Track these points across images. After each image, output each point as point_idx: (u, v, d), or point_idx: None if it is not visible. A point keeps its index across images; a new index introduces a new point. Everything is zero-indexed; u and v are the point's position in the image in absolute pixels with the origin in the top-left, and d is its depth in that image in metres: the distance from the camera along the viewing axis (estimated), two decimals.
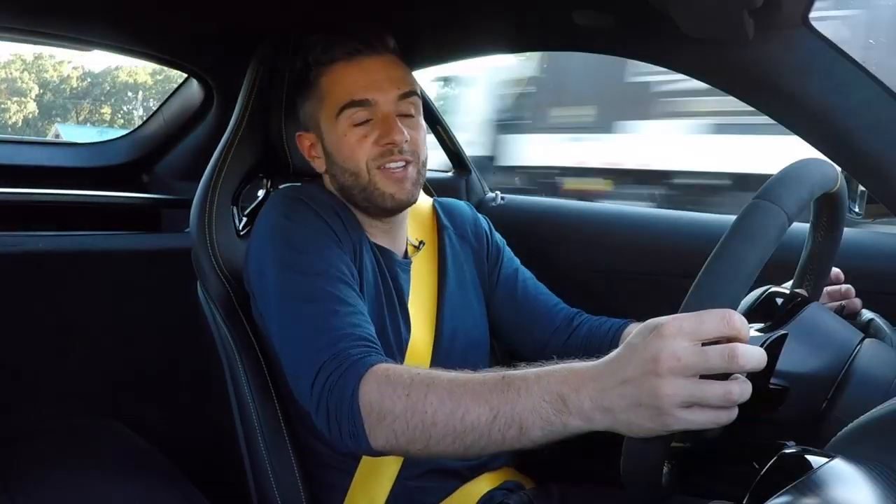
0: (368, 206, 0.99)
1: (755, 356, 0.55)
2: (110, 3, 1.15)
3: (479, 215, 1.19)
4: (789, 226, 0.59)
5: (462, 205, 1.20)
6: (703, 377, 0.56)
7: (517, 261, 1.18)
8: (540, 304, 1.12)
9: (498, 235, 1.19)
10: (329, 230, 0.93)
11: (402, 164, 0.96)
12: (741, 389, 0.56)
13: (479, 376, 0.69)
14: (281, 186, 1.01)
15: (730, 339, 0.55)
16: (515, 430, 0.65)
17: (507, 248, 1.18)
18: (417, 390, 0.71)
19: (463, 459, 0.94)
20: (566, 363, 0.65)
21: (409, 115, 0.98)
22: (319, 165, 1.03)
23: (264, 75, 1.10)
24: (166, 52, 1.44)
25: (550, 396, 0.63)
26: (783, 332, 0.64)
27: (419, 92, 1.00)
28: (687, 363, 0.55)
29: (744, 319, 0.55)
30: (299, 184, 1.08)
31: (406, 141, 0.95)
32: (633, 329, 0.76)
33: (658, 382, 0.56)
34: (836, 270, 0.87)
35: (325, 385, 0.78)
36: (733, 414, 0.56)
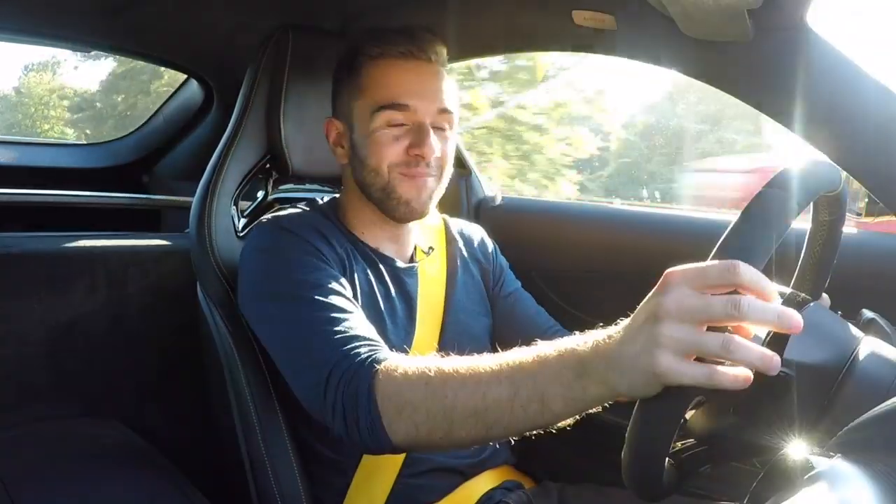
0: (382, 207, 0.99)
1: (762, 308, 0.52)
2: (111, 4, 1.15)
3: (487, 237, 1.21)
4: (796, 216, 0.59)
5: (471, 224, 1.22)
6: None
7: (518, 282, 1.19)
8: (540, 321, 1.14)
9: (502, 257, 1.21)
10: (313, 249, 0.93)
11: (424, 175, 0.96)
12: (741, 342, 0.52)
13: (497, 356, 0.69)
14: (262, 218, 1.01)
15: (738, 291, 0.53)
16: (537, 404, 0.63)
17: (510, 271, 1.20)
18: (435, 376, 0.70)
19: (484, 443, 0.91)
20: (585, 333, 0.63)
21: (443, 130, 0.97)
22: (342, 156, 1.02)
23: (264, 75, 1.10)
24: (166, 52, 1.44)
25: (570, 361, 0.61)
26: None
27: (456, 110, 0.99)
28: (688, 308, 0.53)
29: (757, 273, 0.53)
30: (284, 207, 1.07)
31: (435, 156, 0.95)
32: None
33: (657, 328, 0.54)
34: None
35: (339, 386, 0.77)
36: (729, 378, 0.53)
